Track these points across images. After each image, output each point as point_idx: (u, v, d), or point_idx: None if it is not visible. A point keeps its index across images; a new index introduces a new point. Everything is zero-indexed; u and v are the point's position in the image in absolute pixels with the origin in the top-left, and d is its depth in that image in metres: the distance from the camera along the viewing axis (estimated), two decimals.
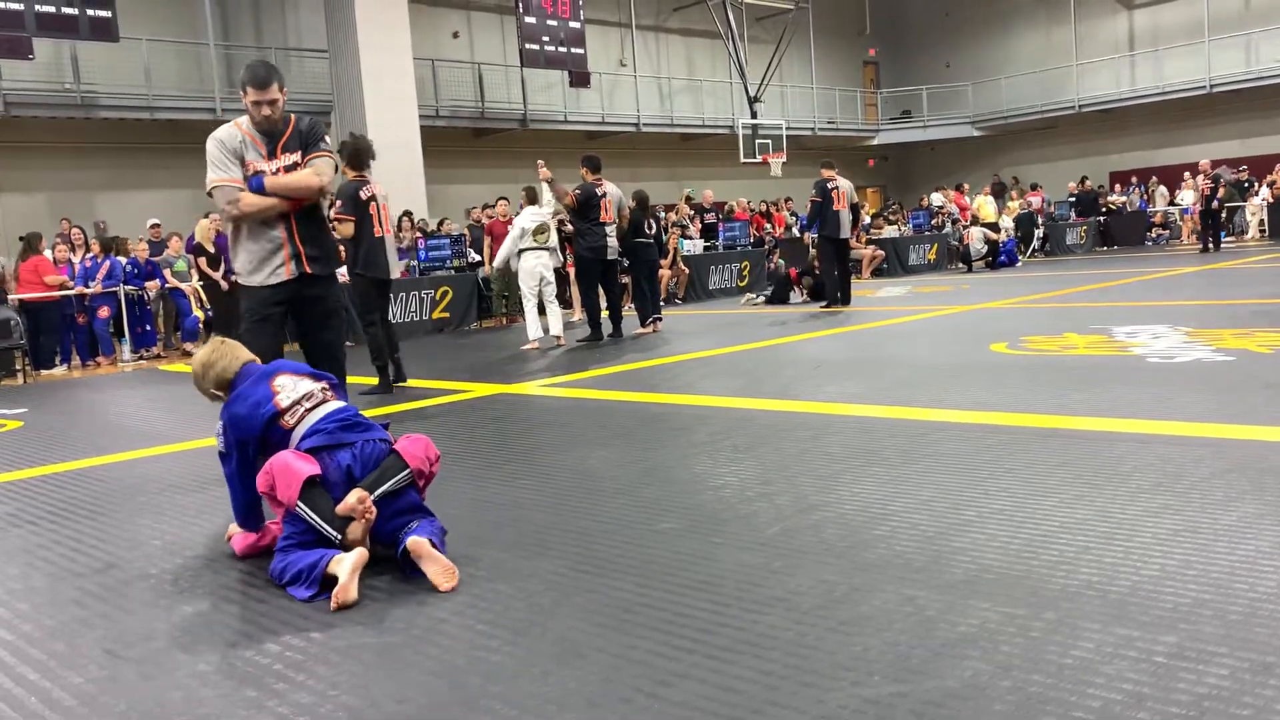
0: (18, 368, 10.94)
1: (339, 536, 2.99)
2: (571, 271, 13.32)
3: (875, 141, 30.22)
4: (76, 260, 12.29)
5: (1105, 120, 27.49)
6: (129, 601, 2.99)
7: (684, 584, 2.78)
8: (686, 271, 15.39)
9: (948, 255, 19.69)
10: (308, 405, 3.27)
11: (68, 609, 2.97)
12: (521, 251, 10.02)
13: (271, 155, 4.35)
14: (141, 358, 12.43)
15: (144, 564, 3.38)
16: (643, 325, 10.72)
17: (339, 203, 7.47)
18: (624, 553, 3.11)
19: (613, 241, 10.15)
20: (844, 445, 4.41)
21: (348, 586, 2.79)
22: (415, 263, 13.72)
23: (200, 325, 12.71)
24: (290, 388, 3.32)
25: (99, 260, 12.26)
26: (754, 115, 23.59)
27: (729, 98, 25.76)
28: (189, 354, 12.48)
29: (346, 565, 2.84)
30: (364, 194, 7.38)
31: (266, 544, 3.34)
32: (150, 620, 2.81)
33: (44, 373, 11.33)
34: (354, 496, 2.98)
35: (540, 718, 2.05)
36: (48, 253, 12.11)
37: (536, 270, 9.97)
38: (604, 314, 10.36)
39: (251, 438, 3.25)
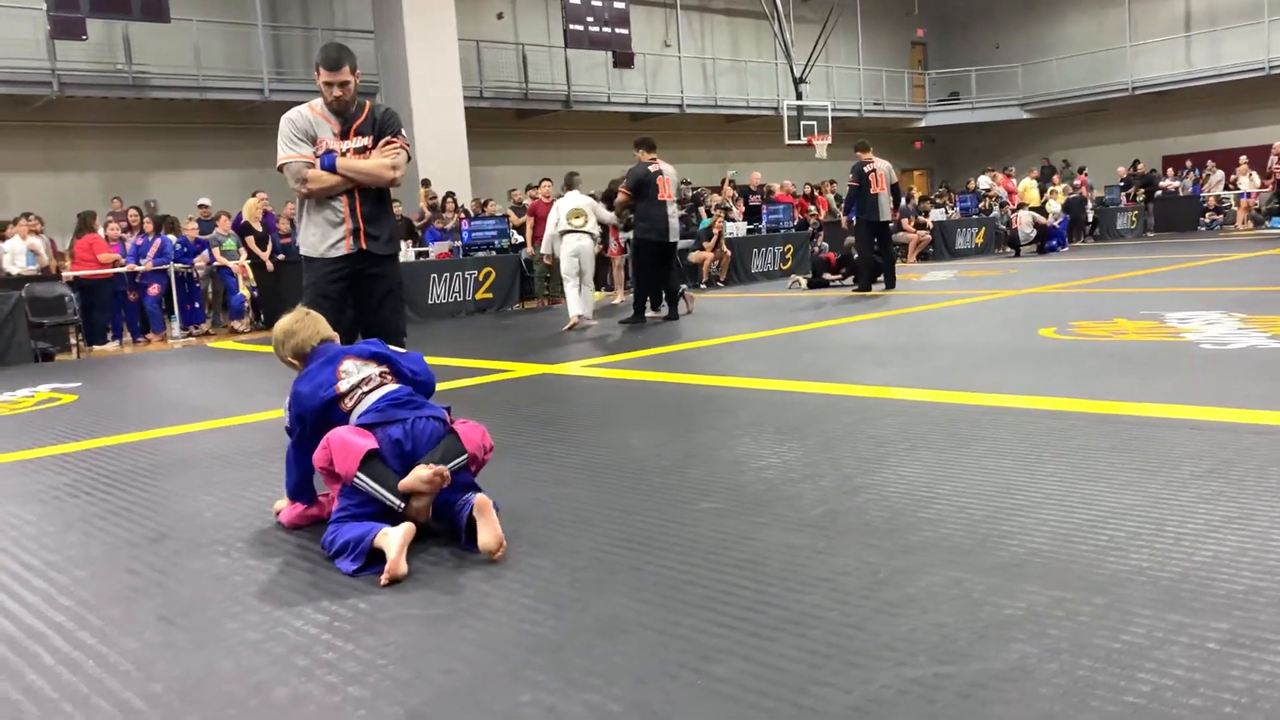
0: (72, 343, 11.17)
1: (401, 505, 3.03)
2: (614, 257, 13.39)
3: (922, 124, 29.86)
4: (130, 239, 12.50)
5: (1158, 103, 26.93)
6: (181, 571, 3.05)
7: (727, 562, 2.78)
8: (728, 254, 15.33)
9: (995, 239, 19.44)
10: (365, 389, 3.32)
11: (123, 577, 3.03)
12: (563, 234, 10.31)
13: (344, 136, 4.44)
14: (190, 334, 12.64)
15: (195, 534, 3.44)
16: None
17: None
18: (667, 531, 3.11)
19: (675, 222, 10.04)
20: (889, 428, 4.38)
21: (397, 561, 2.82)
22: (459, 244, 13.80)
23: (246, 304, 12.90)
24: (354, 373, 3.36)
25: (150, 238, 12.47)
26: (799, 97, 23.39)
27: (774, 79, 25.57)
28: (236, 331, 12.67)
29: (395, 540, 2.86)
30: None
31: (313, 516, 3.40)
32: (202, 589, 2.87)
33: (96, 348, 11.56)
34: (429, 470, 3.01)
35: (586, 690, 2.06)
36: (101, 231, 12.34)
37: (575, 251, 10.17)
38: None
39: (310, 416, 3.30)
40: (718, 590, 2.57)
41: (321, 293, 4.49)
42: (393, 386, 3.34)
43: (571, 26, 19.42)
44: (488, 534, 2.94)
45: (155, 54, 16.52)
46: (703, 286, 14.80)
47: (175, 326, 12.65)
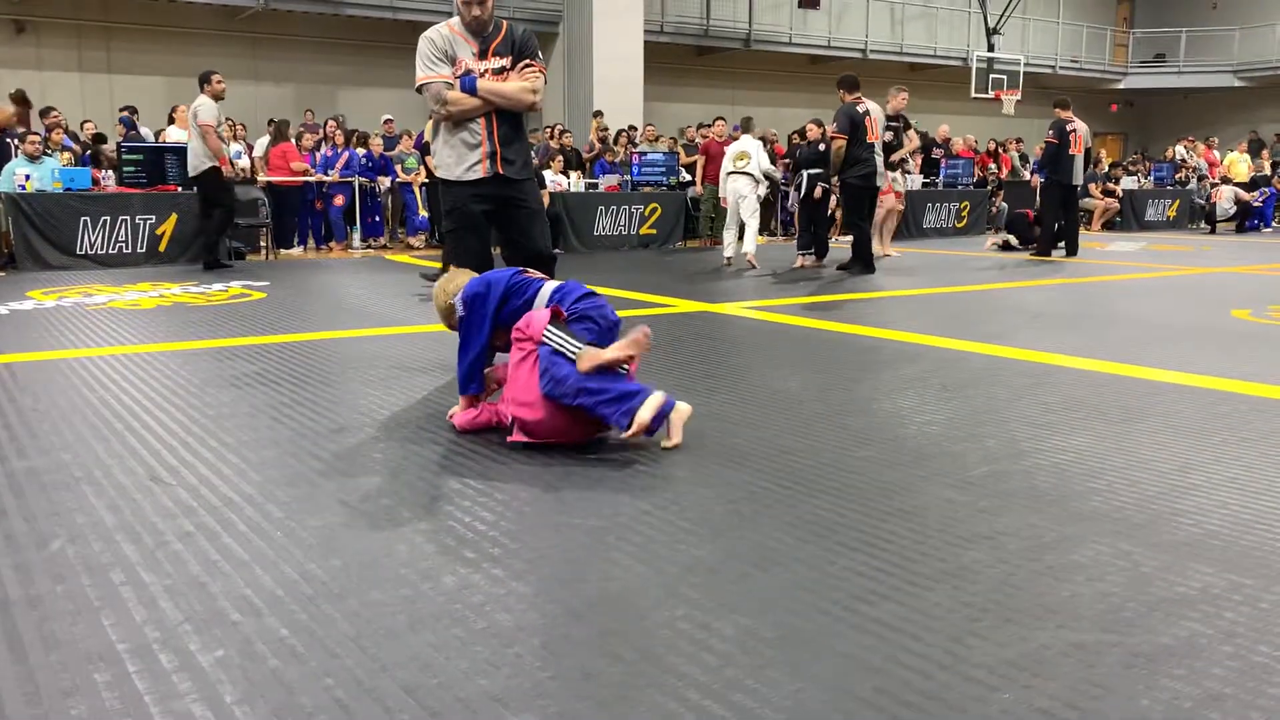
0: (262, 245, 11.84)
1: (578, 349, 3.27)
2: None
3: (1121, 85, 28.06)
4: (320, 151, 13.09)
5: None
6: (359, 462, 3.25)
7: (885, 511, 2.77)
8: (901, 209, 14.90)
9: (1190, 213, 18.26)
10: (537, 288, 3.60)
11: (308, 460, 3.25)
12: (729, 174, 10.48)
13: (482, 56, 4.44)
14: (370, 246, 13.20)
15: (373, 430, 3.65)
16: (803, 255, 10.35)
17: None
18: (824, 474, 3.11)
19: (880, 164, 9.82)
20: (1062, 396, 4.23)
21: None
22: (628, 178, 13.88)
23: (430, 223, 13.32)
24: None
25: (339, 151, 13.02)
26: (991, 48, 22.35)
27: (965, 28, 24.48)
28: (411, 246, 13.16)
29: (676, 424, 3.34)
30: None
31: (484, 422, 3.57)
32: (378, 481, 3.05)
33: (282, 252, 12.21)
34: (639, 330, 3.35)
35: (739, 614, 2.10)
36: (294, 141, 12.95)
37: (736, 191, 10.33)
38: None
39: (495, 293, 3.53)
40: (874, 536, 2.57)
41: (466, 214, 4.54)
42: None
43: None
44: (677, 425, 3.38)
45: None
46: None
47: (356, 237, 13.23)
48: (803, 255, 10.31)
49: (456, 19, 4.49)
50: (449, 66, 4.43)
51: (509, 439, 3.43)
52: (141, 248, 10.22)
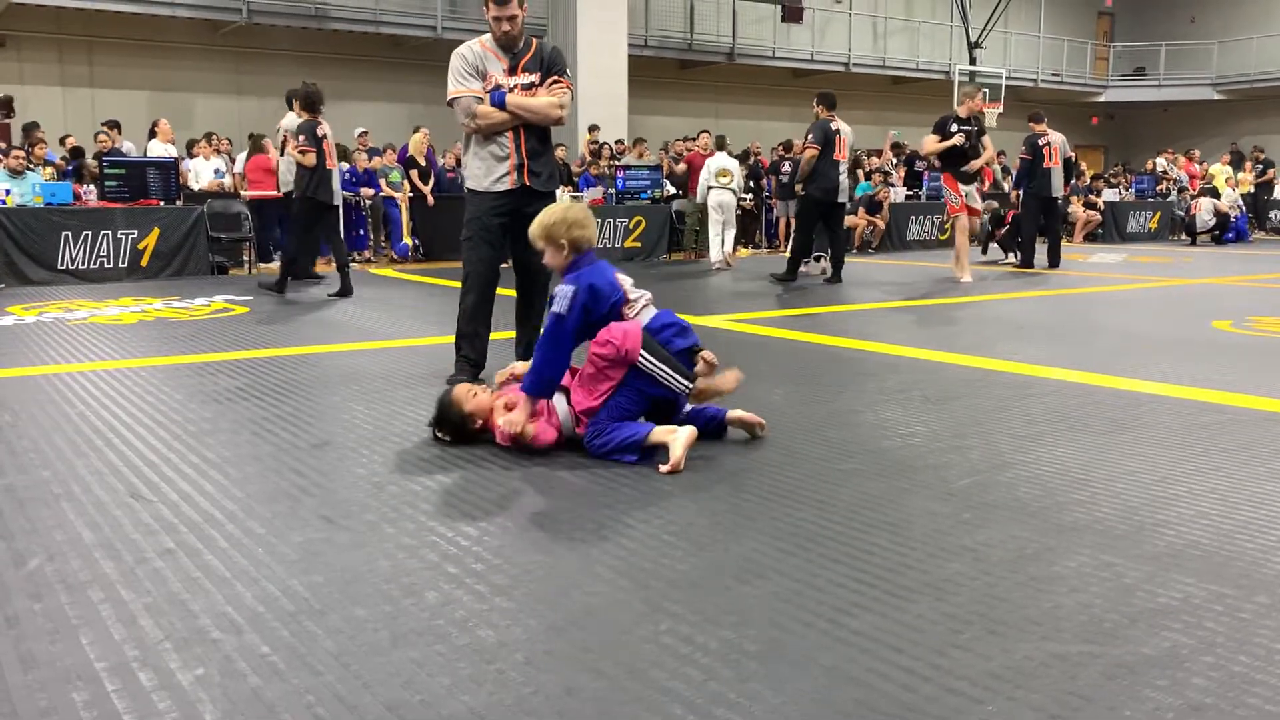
0: (245, 258, 11.79)
1: (687, 386, 3.45)
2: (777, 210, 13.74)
3: (1102, 99, 28.30)
4: None
5: None
6: (342, 476, 3.23)
7: (868, 523, 2.77)
8: (881, 224, 14.99)
9: (1170, 225, 18.40)
10: (642, 304, 3.62)
11: (289, 476, 3.23)
12: (710, 189, 11.95)
13: (512, 71, 4.53)
14: (353, 260, 13.14)
15: (356, 444, 3.63)
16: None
17: (301, 137, 8.53)
18: (807, 486, 3.12)
19: (844, 181, 10.12)
20: (1044, 407, 4.25)
21: (680, 459, 3.25)
22: (612, 191, 13.89)
23: (409, 251, 13.24)
24: (629, 284, 3.66)
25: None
26: (973, 62, 22.53)
27: (947, 41, 24.66)
28: (395, 260, 13.13)
29: (681, 439, 3.29)
30: (320, 131, 8.56)
31: (548, 441, 3.47)
32: (362, 494, 3.03)
33: (262, 266, 12.15)
34: (710, 354, 3.49)
35: (722, 627, 2.10)
36: (274, 154, 12.90)
37: (720, 204, 11.86)
38: (824, 259, 10.88)
39: (599, 311, 3.50)
40: (857, 548, 2.57)
41: (484, 226, 4.64)
42: (664, 310, 3.65)
43: None
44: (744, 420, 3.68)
45: None
46: (853, 252, 14.55)
47: None
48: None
49: (488, 35, 4.57)
50: (479, 81, 4.52)
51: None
52: (123, 262, 10.16)
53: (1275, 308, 7.87)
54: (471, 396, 3.58)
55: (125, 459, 3.42)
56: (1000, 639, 2.05)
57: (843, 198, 10.16)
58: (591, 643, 2.03)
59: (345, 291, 8.74)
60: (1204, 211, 17.12)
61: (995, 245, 13.57)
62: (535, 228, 3.65)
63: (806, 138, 9.98)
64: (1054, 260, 11.71)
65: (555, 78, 4.57)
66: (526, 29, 4.64)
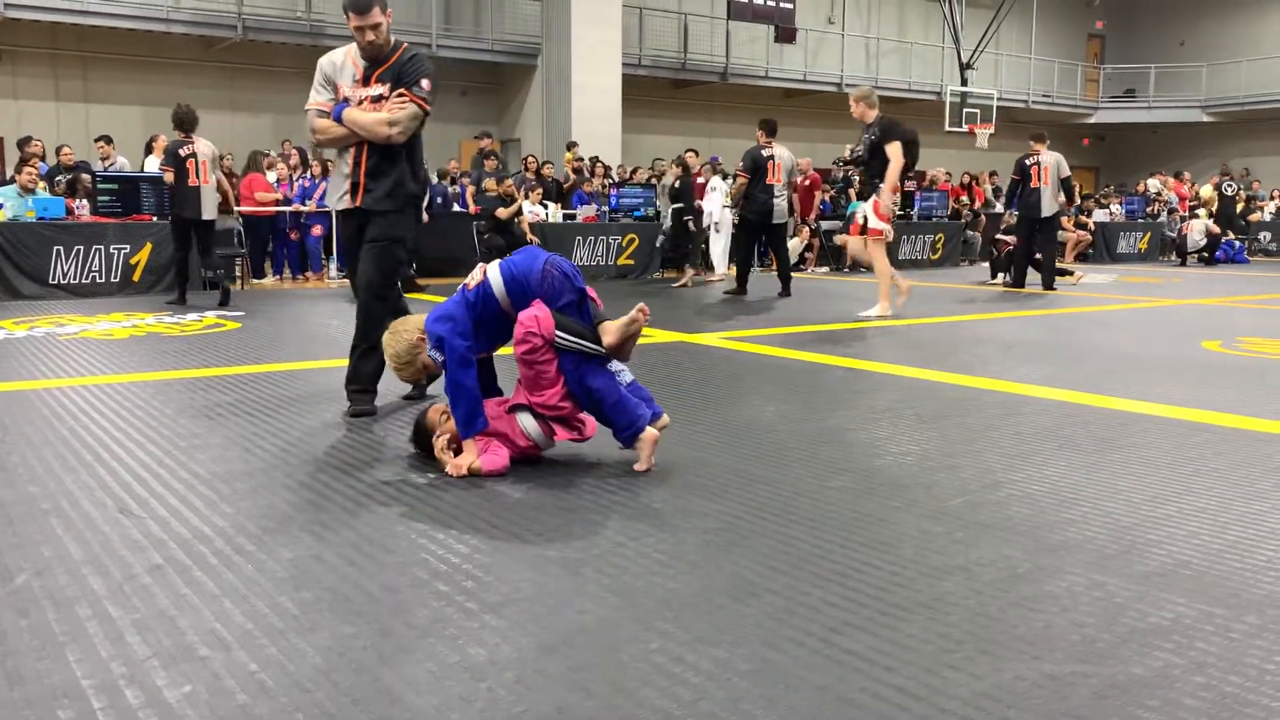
0: (238, 275, 11.77)
1: (601, 349, 3.43)
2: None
3: (1092, 120, 28.52)
4: (300, 180, 13.06)
5: None
6: (332, 493, 3.22)
7: (860, 541, 2.77)
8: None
9: (1160, 246, 18.50)
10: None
11: (280, 492, 3.22)
12: (724, 208, 12.90)
13: (365, 82, 4.26)
14: (345, 276, 13.13)
15: (347, 462, 3.62)
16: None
17: (163, 156, 9.20)
18: (799, 505, 3.11)
19: (780, 204, 10.78)
20: (1035, 426, 4.26)
21: (648, 460, 3.46)
22: (605, 208, 13.92)
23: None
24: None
25: (318, 181, 12.99)
26: (964, 83, 22.67)
27: (939, 62, 24.84)
28: None
29: (646, 445, 3.45)
30: (183, 151, 8.99)
31: (507, 457, 3.46)
32: (352, 512, 3.02)
33: (254, 282, 12.14)
34: (635, 310, 3.42)
35: (714, 646, 2.09)
36: (270, 174, 12.92)
37: (722, 218, 12.94)
38: (769, 273, 11.86)
39: (466, 326, 3.44)
40: (848, 567, 2.57)
41: (346, 245, 4.59)
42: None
43: None
44: (648, 453, 3.49)
45: (333, 4, 17.14)
46: (846, 270, 14.61)
47: (333, 267, 13.16)
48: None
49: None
50: (330, 93, 4.31)
51: (559, 438, 3.54)
52: (115, 277, 10.15)
53: (1264, 328, 7.90)
54: (445, 420, 3.56)
55: (115, 474, 3.41)
56: (992, 658, 2.05)
57: (778, 219, 10.84)
58: (582, 661, 2.03)
59: (224, 301, 9.24)
60: (1195, 232, 17.21)
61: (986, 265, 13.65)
62: (393, 366, 3.73)
63: (738, 166, 10.96)
64: (1047, 282, 11.73)
65: (400, 91, 4.22)
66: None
